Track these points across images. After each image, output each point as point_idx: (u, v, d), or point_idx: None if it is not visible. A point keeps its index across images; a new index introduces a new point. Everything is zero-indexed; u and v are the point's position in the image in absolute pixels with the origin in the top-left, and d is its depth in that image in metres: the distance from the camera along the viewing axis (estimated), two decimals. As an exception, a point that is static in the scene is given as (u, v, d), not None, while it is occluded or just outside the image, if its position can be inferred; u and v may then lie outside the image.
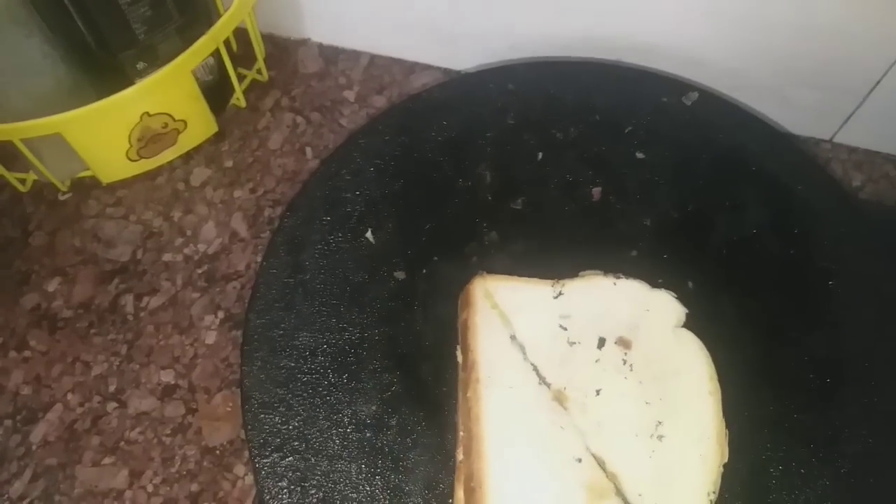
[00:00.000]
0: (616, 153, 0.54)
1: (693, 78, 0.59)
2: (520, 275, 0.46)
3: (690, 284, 0.49)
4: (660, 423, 0.41)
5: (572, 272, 0.48)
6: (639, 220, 0.51)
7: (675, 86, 0.56)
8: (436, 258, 0.50)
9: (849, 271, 0.49)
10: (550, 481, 0.39)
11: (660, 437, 0.41)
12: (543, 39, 0.61)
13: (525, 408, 0.41)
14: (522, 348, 0.43)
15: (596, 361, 0.43)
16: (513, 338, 0.44)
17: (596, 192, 0.53)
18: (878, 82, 0.57)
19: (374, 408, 0.45)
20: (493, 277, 0.46)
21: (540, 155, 0.54)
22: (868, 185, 0.61)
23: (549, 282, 0.46)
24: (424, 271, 0.50)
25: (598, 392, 0.42)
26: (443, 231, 0.51)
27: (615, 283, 0.46)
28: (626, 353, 0.43)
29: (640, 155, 0.54)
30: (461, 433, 0.42)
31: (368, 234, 0.51)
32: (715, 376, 0.43)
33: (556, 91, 0.56)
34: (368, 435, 0.44)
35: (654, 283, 0.48)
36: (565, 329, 0.44)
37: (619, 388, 0.42)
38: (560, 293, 0.45)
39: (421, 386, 0.46)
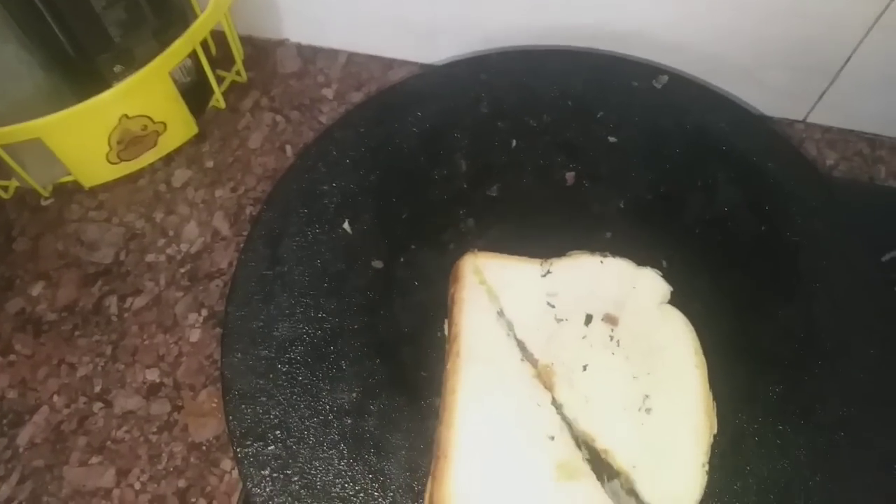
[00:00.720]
0: (589, 138, 0.54)
1: (666, 63, 0.60)
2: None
3: (665, 263, 0.49)
4: (647, 396, 0.42)
5: (549, 255, 0.49)
6: (613, 203, 0.52)
7: (646, 70, 0.57)
8: (413, 246, 0.51)
9: (819, 246, 0.50)
10: (519, 457, 0.40)
11: (647, 411, 0.41)
12: (518, 30, 0.61)
13: (502, 383, 0.42)
14: (510, 324, 0.44)
15: (583, 338, 0.44)
16: (500, 314, 0.44)
17: (570, 176, 0.53)
18: (847, 59, 0.58)
19: (354, 395, 0.45)
20: (483, 255, 0.46)
21: (514, 142, 0.55)
22: (842, 163, 0.62)
23: (538, 260, 0.46)
24: (402, 260, 0.50)
25: (584, 367, 0.42)
26: (420, 219, 0.52)
27: (602, 262, 0.46)
28: (612, 330, 0.44)
29: (612, 139, 0.54)
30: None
31: (346, 225, 0.51)
32: (700, 350, 0.43)
33: (528, 79, 0.57)
34: (349, 422, 0.44)
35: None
36: (553, 306, 0.45)
37: (606, 363, 0.43)
38: (548, 272, 0.46)
39: (401, 371, 0.46)
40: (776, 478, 0.43)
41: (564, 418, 0.41)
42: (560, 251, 0.49)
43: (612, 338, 0.43)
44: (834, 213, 0.51)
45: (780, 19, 0.56)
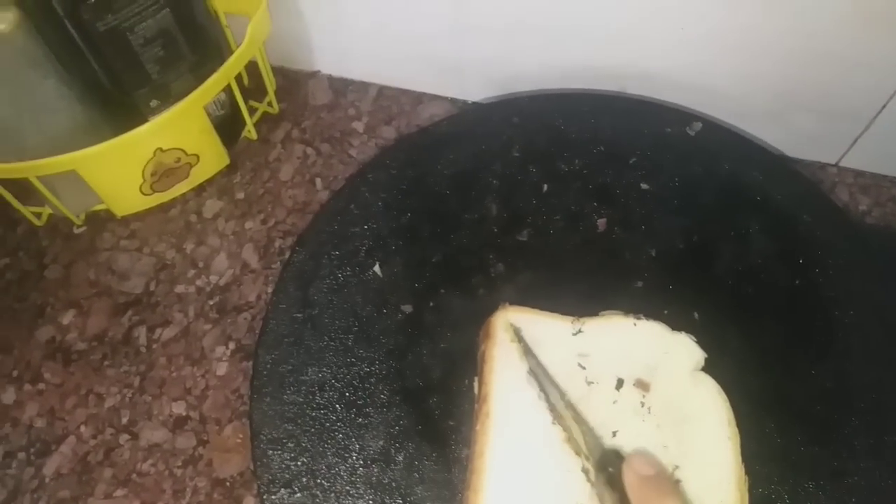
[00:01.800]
0: (621, 184, 0.54)
1: (696, 105, 0.59)
2: (528, 306, 0.47)
3: (696, 315, 0.49)
4: (677, 467, 0.41)
5: (579, 303, 0.49)
6: (644, 251, 0.52)
7: (679, 116, 0.57)
8: (443, 291, 0.51)
9: (854, 300, 0.49)
10: None
11: (677, 482, 0.40)
12: (548, 69, 0.61)
13: (531, 447, 0.41)
14: (539, 384, 0.43)
15: (613, 402, 0.43)
16: (531, 373, 0.43)
17: (601, 223, 0.53)
18: (884, 106, 0.57)
19: (381, 443, 0.45)
20: (515, 309, 0.46)
21: (545, 187, 0.55)
22: (875, 209, 0.61)
23: (570, 318, 0.46)
24: (432, 304, 0.50)
25: (614, 434, 0.41)
26: (450, 264, 0.52)
27: (635, 324, 0.45)
28: (644, 396, 0.43)
29: (644, 186, 0.54)
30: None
31: (376, 268, 0.51)
32: (734, 421, 0.42)
33: (560, 123, 0.57)
34: (376, 470, 0.44)
35: (660, 315, 0.49)
36: (584, 368, 0.44)
37: (636, 430, 0.42)
38: (580, 331, 0.45)
39: (428, 420, 0.46)
40: (807, 542, 0.42)
41: (593, 486, 0.40)
42: (591, 299, 0.49)
43: (643, 404, 0.43)
44: (868, 267, 0.50)
45: (814, 64, 0.55)
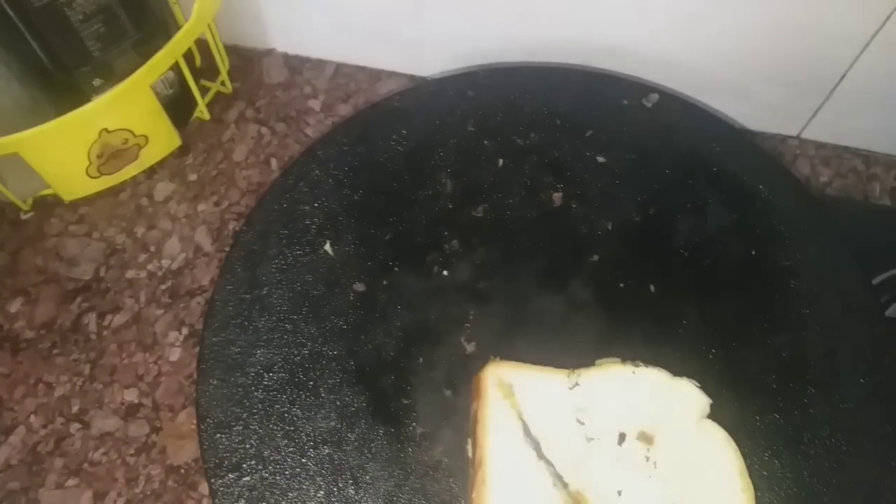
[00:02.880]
0: (577, 158, 0.53)
1: (658, 79, 0.59)
2: (485, 283, 0.45)
3: (652, 287, 0.48)
4: None
5: (535, 279, 0.48)
6: (600, 224, 0.51)
7: (636, 88, 0.56)
8: (396, 269, 0.50)
9: (810, 270, 0.49)
10: None
11: None
12: (507, 44, 0.60)
13: None
14: (537, 444, 0.41)
15: (617, 459, 0.40)
16: (526, 433, 0.41)
17: (557, 197, 0.52)
18: (842, 77, 0.57)
19: (332, 423, 0.44)
20: (507, 364, 0.43)
21: (501, 161, 0.54)
22: (836, 180, 0.61)
23: (565, 371, 0.43)
24: (385, 282, 0.49)
25: (619, 493, 0.39)
26: (403, 241, 0.51)
27: (634, 372, 0.42)
28: (648, 450, 0.40)
29: (601, 159, 0.53)
30: None
31: (327, 247, 0.50)
32: (745, 472, 0.40)
33: (516, 97, 0.56)
34: (327, 451, 0.43)
35: (616, 287, 0.48)
36: (582, 423, 0.41)
37: (642, 488, 0.40)
38: (576, 384, 0.42)
39: (381, 399, 0.45)
40: (763, 511, 0.42)
41: None
42: (547, 275, 0.49)
43: (647, 458, 0.40)
44: (825, 237, 0.50)
45: (774, 36, 0.55)
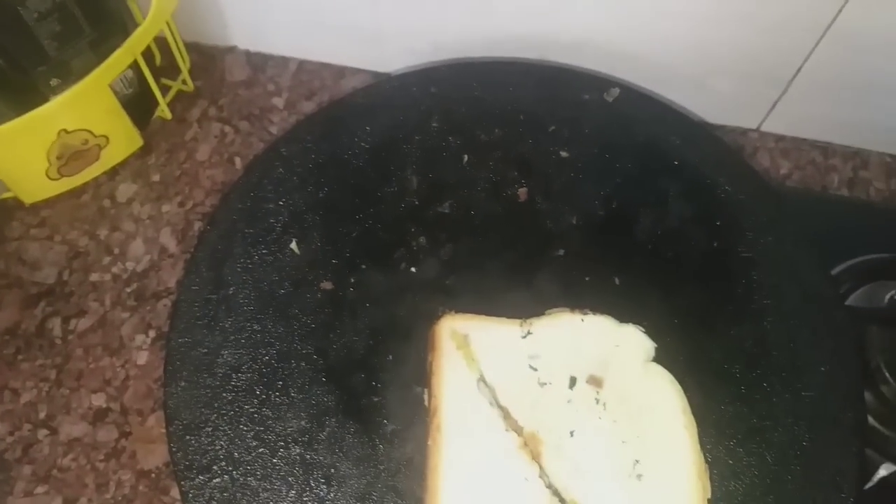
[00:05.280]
0: (540, 153, 0.54)
1: (617, 73, 0.59)
2: (452, 279, 0.46)
3: (617, 280, 0.49)
4: (637, 461, 0.41)
5: (502, 274, 0.49)
6: (565, 219, 0.52)
7: (597, 83, 0.57)
8: (364, 266, 0.50)
9: (771, 261, 0.50)
10: None
11: (639, 477, 0.40)
12: (468, 39, 0.60)
13: (487, 458, 0.40)
14: (492, 391, 0.42)
15: (568, 402, 0.42)
16: (481, 381, 0.43)
17: (522, 192, 0.53)
18: (799, 68, 0.58)
19: (303, 422, 0.44)
20: (461, 317, 0.44)
21: (465, 157, 0.54)
22: (795, 172, 0.62)
23: (517, 321, 0.45)
24: (353, 280, 0.49)
25: (572, 433, 0.41)
26: (370, 238, 0.51)
27: (583, 320, 0.45)
28: (598, 392, 0.42)
29: (564, 154, 0.54)
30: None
31: (293, 245, 0.50)
32: (688, 409, 0.42)
33: (479, 92, 0.56)
34: (298, 450, 0.43)
35: (582, 281, 0.49)
36: (535, 369, 0.43)
37: (593, 428, 0.41)
38: (528, 332, 0.44)
39: (351, 397, 0.45)
40: (728, 499, 0.43)
41: (553, 490, 0.39)
42: (513, 270, 0.49)
43: (597, 401, 0.42)
44: (785, 228, 0.51)
45: (730, 28, 0.56)
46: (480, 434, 0.41)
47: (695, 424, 0.42)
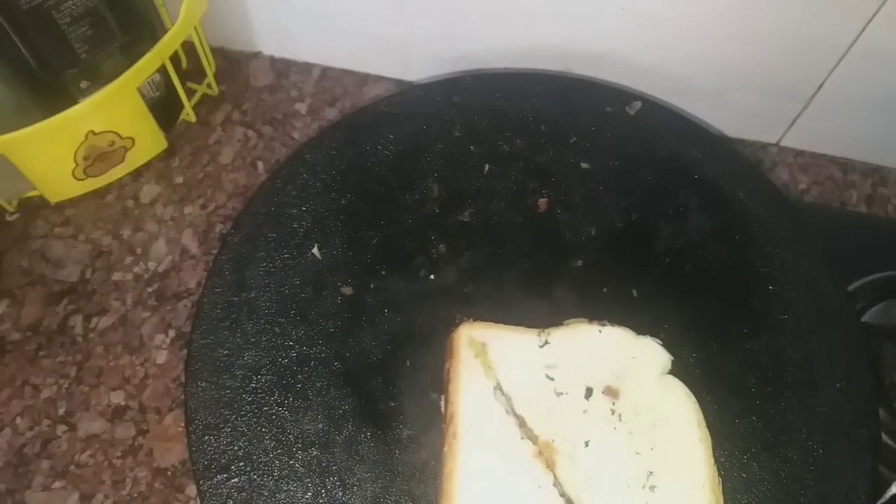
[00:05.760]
0: (561, 164, 0.54)
1: (638, 85, 0.60)
2: (470, 287, 0.46)
3: (635, 292, 0.49)
4: (651, 473, 0.41)
5: (520, 284, 0.49)
6: (584, 230, 0.52)
7: (619, 95, 0.57)
8: (384, 272, 0.50)
9: (788, 276, 0.50)
10: None
11: (652, 488, 0.40)
12: (491, 49, 0.61)
13: (502, 466, 0.40)
14: (508, 399, 0.42)
15: (584, 412, 0.42)
16: (497, 388, 0.43)
17: (542, 202, 0.53)
18: (821, 85, 0.58)
19: (320, 426, 0.45)
20: (479, 325, 0.45)
21: (486, 167, 0.54)
22: (814, 187, 0.62)
23: (535, 330, 0.45)
24: (372, 286, 0.50)
25: (587, 444, 0.41)
26: (390, 245, 0.51)
27: (600, 331, 0.45)
28: (613, 403, 0.43)
29: (584, 165, 0.54)
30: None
31: (315, 250, 0.51)
32: (703, 423, 0.42)
33: (501, 103, 0.56)
34: (315, 453, 0.44)
35: (600, 293, 0.49)
36: (552, 379, 0.43)
37: (608, 438, 0.42)
38: (546, 342, 0.45)
39: (368, 402, 0.46)
40: (740, 512, 0.43)
41: (567, 499, 0.40)
42: (532, 280, 0.49)
43: (613, 412, 0.42)
44: (803, 243, 0.51)
45: (753, 45, 0.56)
46: (496, 442, 0.41)
47: (709, 437, 0.42)
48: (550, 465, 0.41)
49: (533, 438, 0.41)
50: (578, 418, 0.42)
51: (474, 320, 0.45)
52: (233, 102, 0.65)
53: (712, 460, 0.42)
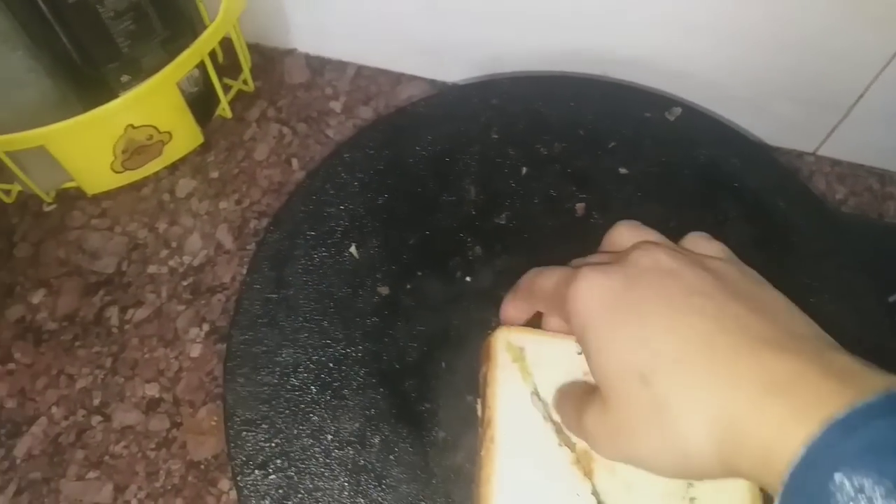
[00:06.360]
0: (599, 168, 0.54)
1: (676, 90, 0.59)
2: (504, 293, 0.45)
3: (672, 301, 0.49)
4: (691, 484, 0.40)
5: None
6: (622, 236, 0.52)
7: (659, 101, 0.57)
8: (420, 273, 0.50)
9: (828, 287, 0.49)
10: None
11: (692, 500, 0.39)
12: (528, 52, 0.61)
13: (539, 472, 0.40)
14: (546, 406, 0.42)
15: None
16: (535, 394, 0.42)
17: (580, 207, 0.53)
18: (861, 96, 0.57)
19: (356, 425, 0.45)
20: (516, 329, 0.44)
21: (524, 170, 0.54)
22: (851, 198, 0.62)
23: (573, 337, 0.43)
24: (409, 286, 0.50)
25: None
26: (427, 246, 0.51)
27: None
28: None
29: (623, 170, 0.54)
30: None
31: (352, 249, 0.51)
32: None
33: (540, 106, 0.56)
34: (351, 452, 0.44)
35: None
36: None
37: None
38: None
39: (404, 403, 0.46)
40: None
41: None
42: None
43: None
44: (842, 254, 0.51)
45: (793, 55, 0.56)
46: (533, 447, 0.41)
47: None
48: (588, 474, 0.40)
49: (570, 446, 0.41)
50: None
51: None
52: (268, 99, 0.65)
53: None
